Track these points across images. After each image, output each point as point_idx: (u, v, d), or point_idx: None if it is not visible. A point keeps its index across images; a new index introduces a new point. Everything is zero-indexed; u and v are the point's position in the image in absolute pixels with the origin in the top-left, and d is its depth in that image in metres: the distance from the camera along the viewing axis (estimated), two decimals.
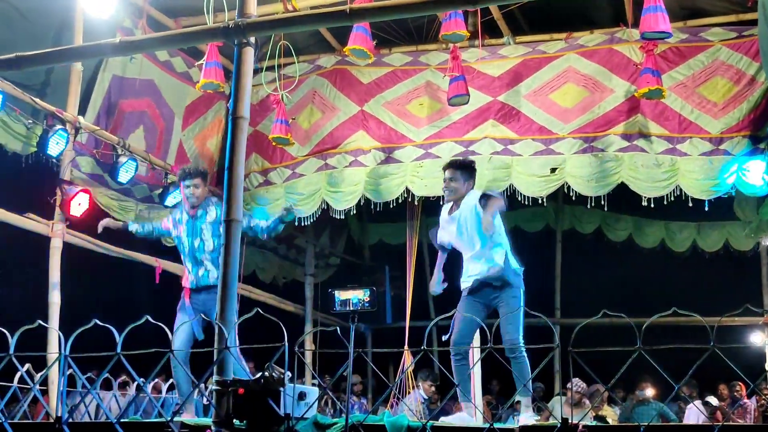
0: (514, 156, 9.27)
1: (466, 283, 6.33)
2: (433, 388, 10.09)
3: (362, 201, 9.87)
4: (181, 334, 6.48)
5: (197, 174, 6.77)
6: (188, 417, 6.32)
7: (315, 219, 10.13)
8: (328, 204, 9.94)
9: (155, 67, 9.67)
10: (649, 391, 10.61)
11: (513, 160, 9.27)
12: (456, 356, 6.16)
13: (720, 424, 3.89)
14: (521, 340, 6.00)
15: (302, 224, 10.18)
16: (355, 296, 4.72)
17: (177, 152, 10.04)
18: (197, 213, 6.73)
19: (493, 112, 9.48)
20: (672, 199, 8.90)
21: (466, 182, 6.38)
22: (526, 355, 5.99)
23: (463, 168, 6.44)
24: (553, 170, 9.13)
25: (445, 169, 6.48)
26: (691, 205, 8.92)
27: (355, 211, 10.29)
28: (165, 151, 9.92)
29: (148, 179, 9.66)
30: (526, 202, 9.31)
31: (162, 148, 9.86)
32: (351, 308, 4.69)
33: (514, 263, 6.29)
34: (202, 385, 5.72)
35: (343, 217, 10.19)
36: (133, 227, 7.26)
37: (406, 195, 9.74)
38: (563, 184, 9.12)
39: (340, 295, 4.74)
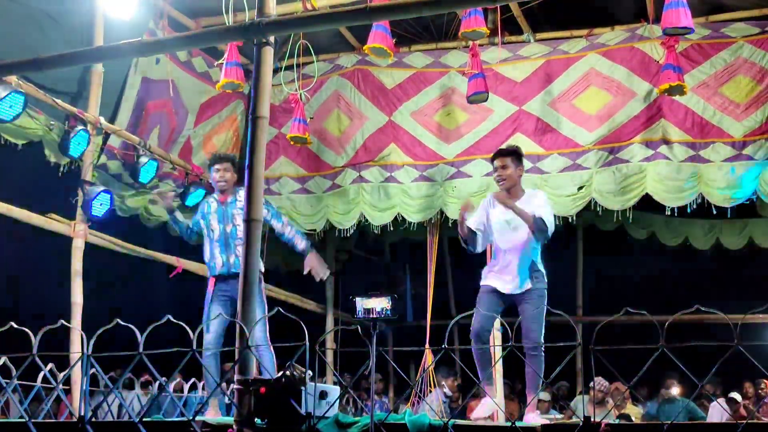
0: (543, 174, 9.24)
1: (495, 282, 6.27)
2: (455, 384, 10.08)
3: (399, 217, 9.92)
4: (216, 327, 6.45)
5: (227, 159, 6.90)
6: (212, 414, 6.35)
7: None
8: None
9: (176, 68, 9.68)
10: (675, 389, 10.54)
11: (541, 179, 9.22)
12: (477, 344, 6.14)
13: (744, 422, 3.85)
14: (542, 339, 6.01)
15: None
16: (378, 305, 4.69)
17: (182, 146, 9.96)
18: (228, 199, 6.77)
19: (520, 125, 9.43)
20: (695, 206, 8.92)
21: (517, 168, 6.29)
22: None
23: (513, 154, 6.33)
24: (580, 188, 9.14)
25: (493, 159, 6.38)
26: (715, 212, 8.96)
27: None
28: (170, 147, 9.83)
29: (179, 176, 9.69)
30: (556, 222, 9.28)
31: (169, 144, 9.80)
32: (374, 316, 4.66)
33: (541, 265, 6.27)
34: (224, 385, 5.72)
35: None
36: (179, 214, 7.14)
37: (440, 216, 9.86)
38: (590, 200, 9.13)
39: (363, 303, 4.71)
